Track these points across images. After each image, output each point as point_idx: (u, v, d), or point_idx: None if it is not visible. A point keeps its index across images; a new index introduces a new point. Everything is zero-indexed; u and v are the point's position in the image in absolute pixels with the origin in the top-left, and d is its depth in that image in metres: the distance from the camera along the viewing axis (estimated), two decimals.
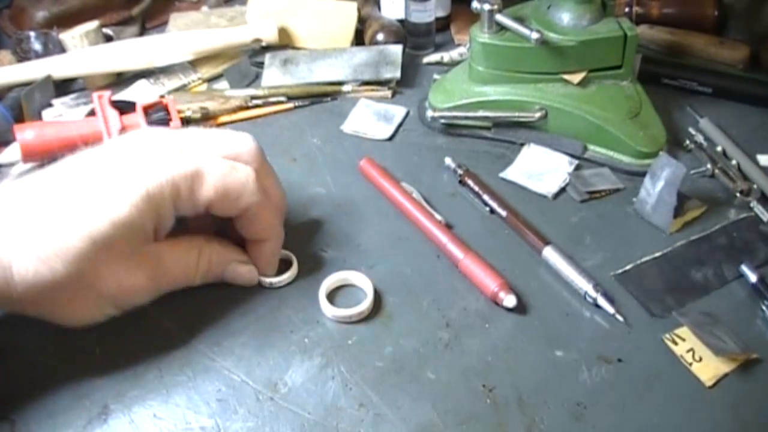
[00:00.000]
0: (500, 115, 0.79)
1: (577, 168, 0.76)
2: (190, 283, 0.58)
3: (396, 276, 0.64)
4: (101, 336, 0.57)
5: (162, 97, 0.86)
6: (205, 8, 1.06)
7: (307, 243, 0.67)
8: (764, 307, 0.60)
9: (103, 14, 1.00)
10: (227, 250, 0.60)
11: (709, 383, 0.54)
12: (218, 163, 0.55)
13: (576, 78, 0.77)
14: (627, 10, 0.96)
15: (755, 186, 0.71)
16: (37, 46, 0.92)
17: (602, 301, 0.60)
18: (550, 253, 0.64)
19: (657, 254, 0.65)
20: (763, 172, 0.73)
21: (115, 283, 0.53)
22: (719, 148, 0.77)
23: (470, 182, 0.73)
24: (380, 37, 0.93)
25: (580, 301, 0.61)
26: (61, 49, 0.92)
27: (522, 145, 0.79)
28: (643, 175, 0.70)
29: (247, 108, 0.86)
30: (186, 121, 0.82)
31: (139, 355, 0.56)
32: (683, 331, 0.58)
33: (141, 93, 0.88)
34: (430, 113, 0.81)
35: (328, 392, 0.54)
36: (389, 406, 0.53)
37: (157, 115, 0.80)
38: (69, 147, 0.77)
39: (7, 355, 0.57)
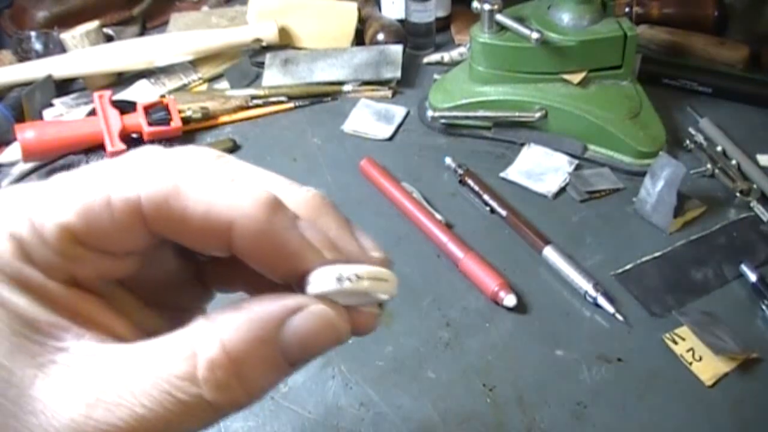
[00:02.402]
0: (500, 115, 0.79)
1: (577, 168, 0.76)
2: (198, 419, 0.24)
3: (396, 275, 0.64)
4: None
5: (163, 96, 0.86)
6: (205, 8, 1.06)
7: None
8: (764, 307, 0.60)
9: (104, 14, 1.00)
10: (260, 305, 0.24)
11: (709, 383, 0.55)
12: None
13: (576, 78, 0.77)
14: (627, 10, 0.96)
15: (755, 186, 0.71)
16: (37, 45, 0.92)
17: (602, 301, 0.60)
18: (550, 253, 0.64)
19: (657, 254, 0.66)
20: (763, 172, 0.73)
21: None
22: (719, 148, 0.77)
23: (470, 182, 0.73)
24: (380, 37, 0.93)
25: (580, 301, 0.61)
26: (62, 48, 0.92)
27: (522, 145, 0.79)
28: (643, 175, 0.70)
29: (248, 108, 0.86)
30: (186, 121, 0.82)
31: None
32: (683, 330, 0.58)
33: (142, 93, 0.88)
34: (430, 113, 0.81)
35: (329, 391, 0.54)
36: (390, 405, 0.53)
37: (158, 114, 0.80)
38: (69, 147, 0.78)
39: None
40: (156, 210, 0.24)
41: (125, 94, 0.88)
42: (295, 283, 0.25)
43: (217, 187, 0.24)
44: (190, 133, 0.83)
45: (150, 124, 0.79)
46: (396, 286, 0.25)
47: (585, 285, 0.61)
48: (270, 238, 0.24)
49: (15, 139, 0.76)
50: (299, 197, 0.26)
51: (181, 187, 0.24)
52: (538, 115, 0.78)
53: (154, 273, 0.27)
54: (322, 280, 0.24)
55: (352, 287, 0.24)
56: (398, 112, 0.85)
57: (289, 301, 0.24)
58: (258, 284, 0.26)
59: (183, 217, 0.24)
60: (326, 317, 0.24)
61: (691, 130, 0.80)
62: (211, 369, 0.23)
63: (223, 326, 0.23)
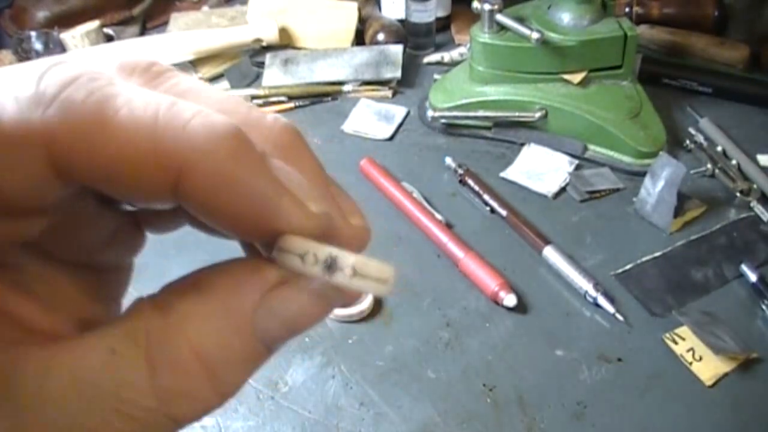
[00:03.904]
0: (500, 114, 0.79)
1: (578, 168, 0.76)
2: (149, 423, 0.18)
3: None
4: None
5: None
6: (205, 8, 1.06)
7: None
8: (764, 307, 0.60)
9: (104, 14, 1.00)
10: (230, 282, 0.19)
11: (709, 382, 0.55)
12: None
13: (576, 78, 0.77)
14: (627, 10, 0.96)
15: (755, 186, 0.71)
16: (38, 45, 0.92)
17: (602, 301, 0.60)
18: (550, 253, 0.64)
19: (657, 254, 0.66)
20: (763, 172, 0.73)
21: None
22: (719, 148, 0.77)
23: (470, 182, 0.73)
24: (381, 37, 0.93)
25: (580, 301, 0.61)
26: (62, 48, 0.92)
27: (522, 145, 0.79)
28: (643, 175, 0.70)
29: None
30: None
31: None
32: (683, 330, 0.58)
33: None
34: (430, 113, 0.81)
35: (329, 391, 0.54)
36: (390, 405, 0.53)
37: None
38: None
39: None
40: (70, 147, 0.16)
41: None
42: (262, 243, 0.19)
43: (161, 114, 0.17)
44: None
45: None
46: (393, 285, 0.20)
47: (585, 285, 0.61)
48: (233, 185, 0.17)
49: None
50: (264, 129, 0.19)
51: (107, 114, 0.16)
52: (538, 115, 0.78)
53: (71, 230, 0.20)
54: (300, 255, 0.18)
55: (340, 281, 0.19)
56: (398, 112, 0.85)
57: (271, 274, 0.18)
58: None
59: (111, 157, 0.16)
60: (317, 291, 0.19)
61: (691, 130, 0.80)
62: (175, 376, 0.17)
63: (185, 318, 0.18)
